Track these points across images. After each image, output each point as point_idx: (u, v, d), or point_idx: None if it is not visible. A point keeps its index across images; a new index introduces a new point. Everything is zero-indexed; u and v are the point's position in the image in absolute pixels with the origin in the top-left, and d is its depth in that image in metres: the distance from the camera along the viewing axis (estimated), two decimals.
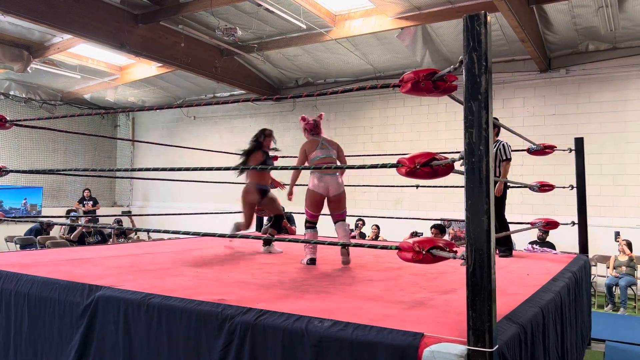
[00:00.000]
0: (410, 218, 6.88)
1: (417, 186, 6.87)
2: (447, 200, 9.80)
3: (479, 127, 1.89)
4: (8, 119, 3.93)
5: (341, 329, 2.10)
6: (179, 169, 3.07)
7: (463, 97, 1.98)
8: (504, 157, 5.27)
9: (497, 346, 1.87)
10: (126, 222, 12.16)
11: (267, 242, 5.04)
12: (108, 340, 2.66)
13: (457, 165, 2.21)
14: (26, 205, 12.56)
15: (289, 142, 12.15)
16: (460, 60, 2.00)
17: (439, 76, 2.19)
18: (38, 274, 3.17)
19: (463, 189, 1.95)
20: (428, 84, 2.20)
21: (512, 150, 5.34)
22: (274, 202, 5.26)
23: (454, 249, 2.17)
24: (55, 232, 11.13)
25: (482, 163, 1.88)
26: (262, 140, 5.11)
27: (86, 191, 12.59)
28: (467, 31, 1.93)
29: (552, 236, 8.12)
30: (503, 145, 5.28)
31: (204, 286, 2.99)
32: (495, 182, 5.14)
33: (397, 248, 2.25)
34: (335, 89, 2.75)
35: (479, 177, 1.89)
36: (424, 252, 2.14)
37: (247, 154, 5.06)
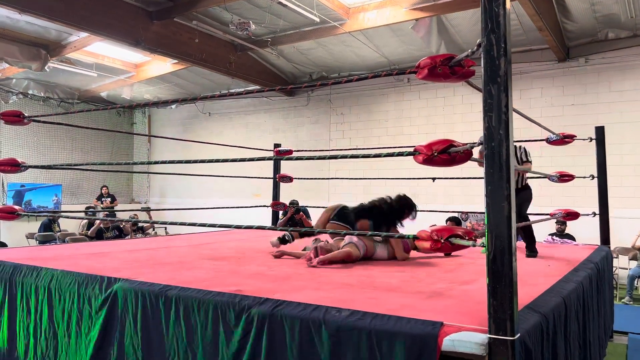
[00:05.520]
0: (426, 211, 6.78)
1: (434, 179, 6.79)
2: (464, 193, 9.70)
3: (499, 110, 1.85)
4: (25, 114, 3.97)
5: (359, 318, 2.08)
6: (195, 162, 3.08)
7: (481, 83, 1.94)
8: (525, 159, 5.09)
9: (518, 335, 1.83)
10: (145, 218, 12.29)
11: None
12: (127, 331, 2.67)
13: (474, 154, 2.16)
14: (57, 202, 12.75)
15: (303, 137, 12.16)
16: (479, 44, 1.95)
17: (456, 61, 2.15)
18: (57, 268, 3.21)
19: (479, 181, 1.91)
20: (445, 69, 2.16)
21: (531, 140, 5.22)
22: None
23: (473, 236, 2.13)
24: (74, 228, 11.30)
25: (502, 147, 1.84)
26: (404, 214, 4.30)
27: (104, 188, 12.71)
28: (485, 12, 1.89)
29: (573, 228, 7.98)
30: (524, 149, 4.97)
31: (221, 278, 2.99)
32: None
33: (415, 237, 2.22)
34: (350, 78, 2.71)
35: (499, 162, 1.85)
36: (442, 241, 2.10)
37: (386, 222, 4.15)
